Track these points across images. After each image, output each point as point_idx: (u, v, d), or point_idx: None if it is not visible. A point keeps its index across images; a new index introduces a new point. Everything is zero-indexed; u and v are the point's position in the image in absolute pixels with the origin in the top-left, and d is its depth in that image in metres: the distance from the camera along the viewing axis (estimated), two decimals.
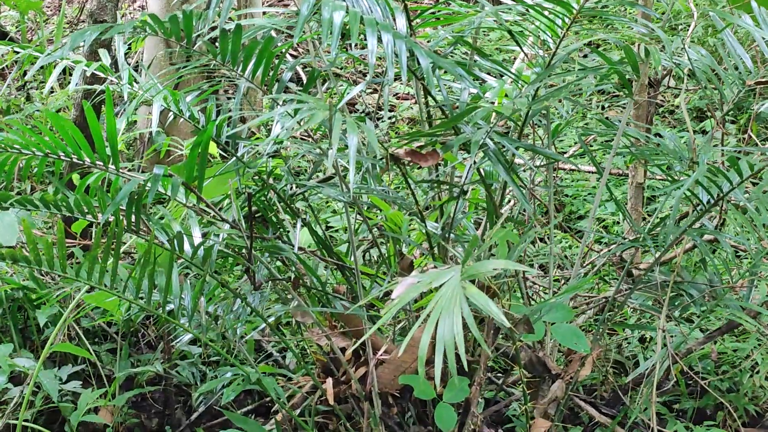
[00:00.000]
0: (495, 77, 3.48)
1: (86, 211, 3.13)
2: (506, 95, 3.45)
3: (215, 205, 3.59)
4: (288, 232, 3.72)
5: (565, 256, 4.69)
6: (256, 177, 3.58)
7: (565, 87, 2.95)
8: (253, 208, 3.43)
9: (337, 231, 5.55)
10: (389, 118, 7.06)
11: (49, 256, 3.02)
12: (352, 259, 3.61)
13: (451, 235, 3.46)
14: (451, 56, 3.26)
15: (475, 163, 3.17)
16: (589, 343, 3.45)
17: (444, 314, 2.31)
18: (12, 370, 4.25)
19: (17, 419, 4.07)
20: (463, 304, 2.25)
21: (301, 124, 2.62)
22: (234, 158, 3.57)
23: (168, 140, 5.34)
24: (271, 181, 3.59)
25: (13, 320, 4.72)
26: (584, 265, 4.08)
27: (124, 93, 3.43)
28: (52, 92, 6.44)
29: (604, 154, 6.12)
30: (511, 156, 3.17)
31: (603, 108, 6.90)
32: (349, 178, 2.39)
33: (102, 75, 3.43)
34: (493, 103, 3.55)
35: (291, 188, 3.61)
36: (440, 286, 2.47)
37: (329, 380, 3.55)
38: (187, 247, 3.27)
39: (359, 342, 3.15)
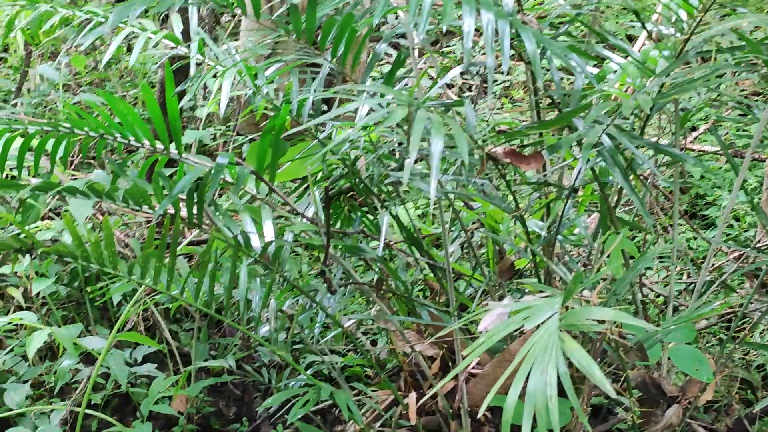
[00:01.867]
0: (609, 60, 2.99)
1: (141, 201, 2.77)
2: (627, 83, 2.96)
3: (288, 195, 3.21)
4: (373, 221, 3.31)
5: (688, 253, 4.16)
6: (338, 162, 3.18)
7: (699, 79, 2.45)
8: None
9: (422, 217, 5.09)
10: (502, 82, 6.57)
11: (97, 253, 2.68)
12: (443, 254, 3.20)
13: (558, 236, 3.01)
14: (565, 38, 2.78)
15: (588, 161, 2.71)
16: (713, 366, 2.98)
17: (536, 367, 1.88)
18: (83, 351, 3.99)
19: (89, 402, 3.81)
20: (559, 362, 1.82)
21: (377, 124, 2.19)
22: (316, 141, 3.18)
23: (264, 102, 4.97)
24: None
25: (87, 294, 4.44)
26: (711, 269, 3.59)
27: (195, 63, 3.04)
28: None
29: (738, 131, 5.54)
30: (631, 154, 2.70)
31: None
32: (430, 191, 1.96)
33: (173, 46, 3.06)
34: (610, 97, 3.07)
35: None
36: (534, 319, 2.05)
37: (412, 395, 3.16)
38: (255, 242, 2.90)
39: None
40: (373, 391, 3.90)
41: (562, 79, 2.85)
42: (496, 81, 6.78)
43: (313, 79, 3.08)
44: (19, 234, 2.95)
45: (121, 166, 2.93)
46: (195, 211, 2.80)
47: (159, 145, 2.85)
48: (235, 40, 5.76)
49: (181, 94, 4.87)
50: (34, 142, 2.75)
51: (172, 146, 2.86)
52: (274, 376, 3.72)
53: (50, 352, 4.45)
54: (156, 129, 2.80)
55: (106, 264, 2.73)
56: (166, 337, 4.34)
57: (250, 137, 5.62)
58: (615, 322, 1.91)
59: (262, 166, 2.85)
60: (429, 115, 2.14)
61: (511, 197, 2.78)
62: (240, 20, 4.19)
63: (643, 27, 2.66)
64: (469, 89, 6.85)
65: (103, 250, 2.66)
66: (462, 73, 6.63)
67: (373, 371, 3.85)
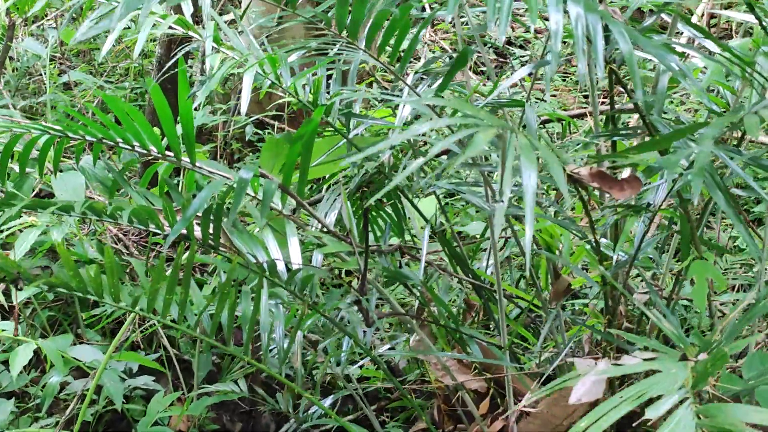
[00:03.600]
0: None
1: (149, 221, 2.33)
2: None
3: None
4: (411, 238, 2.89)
5: None
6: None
7: None
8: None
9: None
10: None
11: (96, 284, 2.24)
12: (488, 273, 2.79)
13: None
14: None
15: (674, 183, 2.29)
16: None
17: None
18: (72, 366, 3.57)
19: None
20: None
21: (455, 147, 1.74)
22: (344, 140, 2.76)
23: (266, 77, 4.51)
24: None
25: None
26: None
27: (207, 49, 2.59)
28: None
29: None
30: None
31: None
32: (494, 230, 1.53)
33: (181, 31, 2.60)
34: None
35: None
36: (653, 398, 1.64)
37: None
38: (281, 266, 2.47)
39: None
40: (394, 408, 3.50)
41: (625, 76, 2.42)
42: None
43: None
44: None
45: (121, 174, 2.49)
46: (211, 230, 2.37)
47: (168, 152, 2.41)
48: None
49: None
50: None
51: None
52: (290, 400, 3.30)
53: (36, 358, 4.02)
54: (165, 134, 2.36)
55: (106, 295, 2.30)
56: (164, 344, 3.91)
57: (253, 117, 5.18)
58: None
59: (289, 177, 2.41)
60: (520, 139, 1.70)
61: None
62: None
63: (759, 21, 2.23)
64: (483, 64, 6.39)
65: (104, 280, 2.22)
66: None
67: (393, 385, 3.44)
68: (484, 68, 6.29)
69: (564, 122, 3.62)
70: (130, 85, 5.86)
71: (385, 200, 3.05)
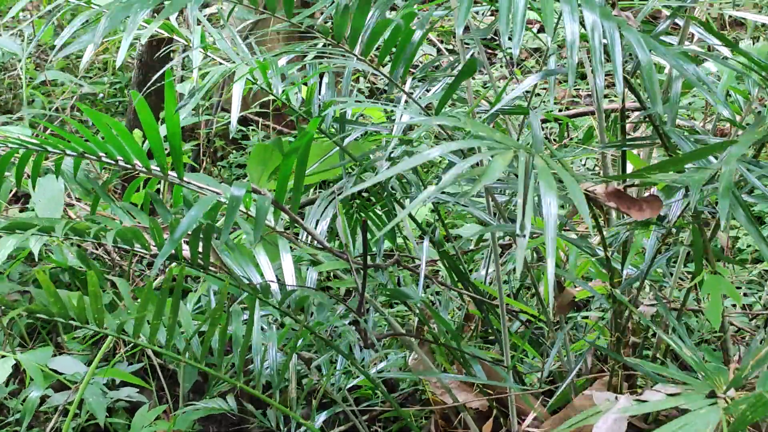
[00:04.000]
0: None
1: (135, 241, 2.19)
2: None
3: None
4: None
5: None
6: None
7: None
8: None
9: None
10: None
11: (79, 309, 2.10)
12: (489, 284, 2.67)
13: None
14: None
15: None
16: None
17: None
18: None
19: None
20: None
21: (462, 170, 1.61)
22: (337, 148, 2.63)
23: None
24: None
25: None
26: None
27: (195, 61, 2.45)
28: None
29: None
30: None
31: None
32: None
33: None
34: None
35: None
36: None
37: None
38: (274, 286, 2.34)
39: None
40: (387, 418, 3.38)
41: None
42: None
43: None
44: None
45: (104, 188, 2.35)
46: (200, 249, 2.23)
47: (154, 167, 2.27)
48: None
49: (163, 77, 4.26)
50: None
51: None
52: (280, 416, 3.16)
53: (15, 368, 3.87)
54: (152, 148, 2.21)
55: (90, 321, 2.16)
56: (148, 353, 3.77)
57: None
58: None
59: (283, 192, 2.28)
60: (537, 162, 1.57)
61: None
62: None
63: None
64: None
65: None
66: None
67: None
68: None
69: (562, 123, 3.49)
70: (109, 80, 5.70)
71: (375, 201, 2.93)
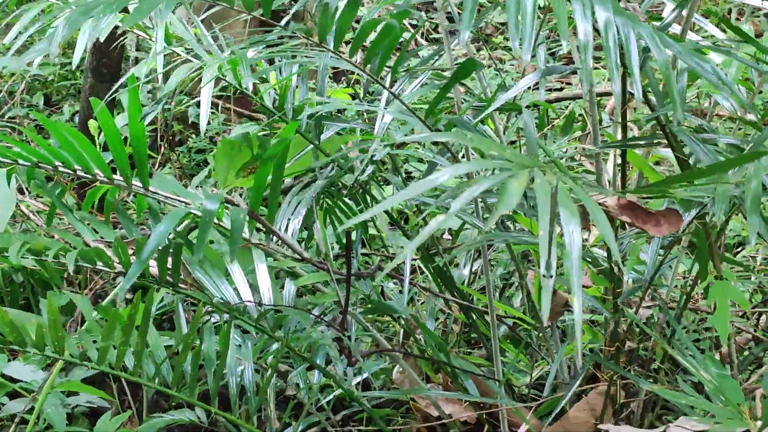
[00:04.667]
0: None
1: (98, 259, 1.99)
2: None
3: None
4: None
5: None
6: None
7: None
8: None
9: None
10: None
11: (38, 338, 1.91)
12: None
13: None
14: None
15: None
16: None
17: None
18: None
19: None
20: None
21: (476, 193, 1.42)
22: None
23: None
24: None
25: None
26: None
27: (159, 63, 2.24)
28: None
29: None
30: None
31: None
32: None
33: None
34: None
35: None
36: None
37: None
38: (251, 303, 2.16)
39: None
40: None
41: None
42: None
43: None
44: None
45: (59, 198, 2.15)
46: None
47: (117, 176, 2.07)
48: None
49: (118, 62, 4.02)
50: None
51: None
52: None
53: None
54: (114, 157, 2.01)
55: (48, 349, 1.96)
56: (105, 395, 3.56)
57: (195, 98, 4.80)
58: None
59: (258, 201, 2.09)
60: (553, 182, 1.40)
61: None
62: None
63: None
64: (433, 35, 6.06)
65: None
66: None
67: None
68: (437, 35, 5.97)
69: (542, 108, 3.32)
70: (60, 61, 5.44)
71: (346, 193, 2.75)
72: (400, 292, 2.51)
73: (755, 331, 2.85)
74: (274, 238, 2.36)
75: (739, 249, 3.64)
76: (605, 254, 2.38)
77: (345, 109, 4.49)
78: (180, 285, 2.10)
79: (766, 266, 3.28)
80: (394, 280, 2.71)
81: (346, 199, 2.72)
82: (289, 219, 2.50)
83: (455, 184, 3.15)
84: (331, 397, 2.60)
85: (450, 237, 3.48)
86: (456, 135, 1.39)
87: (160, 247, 1.95)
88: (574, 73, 2.48)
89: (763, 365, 2.78)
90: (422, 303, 2.64)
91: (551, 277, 1.27)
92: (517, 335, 2.88)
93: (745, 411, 1.76)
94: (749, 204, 1.62)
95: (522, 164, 1.42)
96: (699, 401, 1.74)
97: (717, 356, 2.54)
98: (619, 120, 2.11)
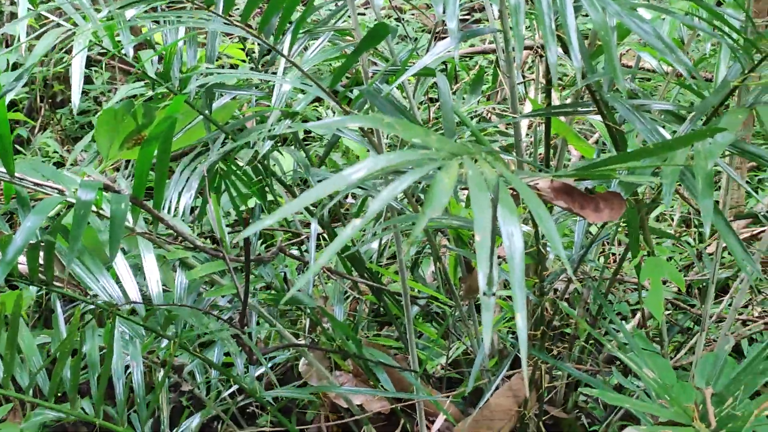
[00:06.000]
0: None
1: None
2: None
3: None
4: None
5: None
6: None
7: None
8: None
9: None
10: None
11: None
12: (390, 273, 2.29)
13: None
14: None
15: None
16: None
17: None
18: None
19: None
20: None
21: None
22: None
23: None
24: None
25: None
26: None
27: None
28: None
29: None
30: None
31: None
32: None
33: None
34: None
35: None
36: None
37: None
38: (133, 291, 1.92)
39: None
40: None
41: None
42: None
43: None
44: None
45: None
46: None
47: None
48: None
49: None
50: None
51: None
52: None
53: None
54: None
55: None
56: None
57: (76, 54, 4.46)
58: None
59: (142, 186, 1.84)
60: (488, 174, 1.18)
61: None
62: None
63: None
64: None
65: None
66: None
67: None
68: None
69: (450, 65, 3.10)
70: None
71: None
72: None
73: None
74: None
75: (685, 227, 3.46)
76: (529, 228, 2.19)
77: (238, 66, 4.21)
78: (55, 283, 1.85)
79: (685, 228, 3.14)
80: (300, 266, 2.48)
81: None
82: (179, 193, 2.27)
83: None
84: (232, 390, 2.38)
85: (354, 200, 3.26)
86: (372, 119, 1.17)
87: (30, 246, 1.70)
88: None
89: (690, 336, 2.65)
90: (328, 282, 2.42)
91: (493, 295, 1.06)
92: (431, 314, 2.70)
93: (693, 413, 1.59)
94: (701, 187, 1.43)
95: (450, 153, 1.20)
96: (647, 405, 1.57)
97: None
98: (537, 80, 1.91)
